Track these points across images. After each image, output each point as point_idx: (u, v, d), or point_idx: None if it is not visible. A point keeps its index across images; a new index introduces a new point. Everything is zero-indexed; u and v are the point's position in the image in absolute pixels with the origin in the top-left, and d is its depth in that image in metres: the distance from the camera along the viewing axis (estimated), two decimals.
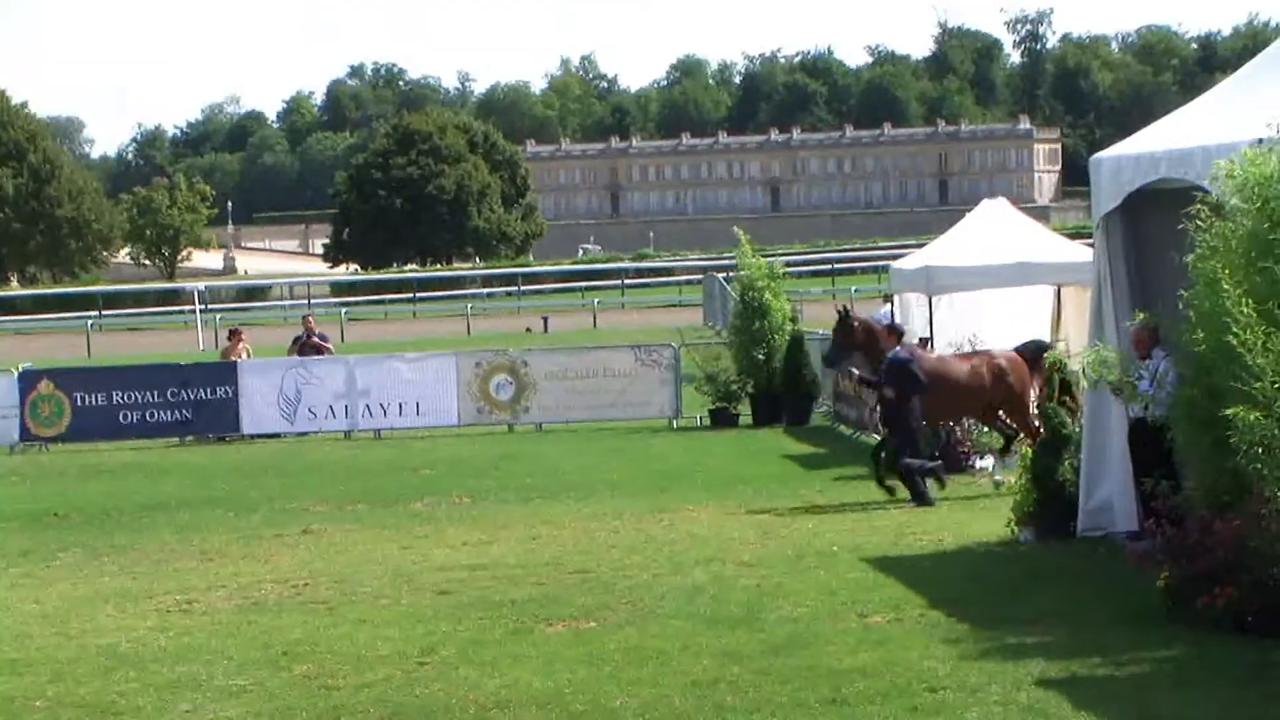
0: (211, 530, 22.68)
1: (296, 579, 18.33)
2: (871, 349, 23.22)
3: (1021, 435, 23.07)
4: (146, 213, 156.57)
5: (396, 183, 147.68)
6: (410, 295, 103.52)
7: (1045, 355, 24.11)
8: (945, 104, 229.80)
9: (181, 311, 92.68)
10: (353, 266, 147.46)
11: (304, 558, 19.98)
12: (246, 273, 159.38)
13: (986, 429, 24.97)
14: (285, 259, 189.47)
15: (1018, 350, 24.08)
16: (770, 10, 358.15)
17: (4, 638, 15.84)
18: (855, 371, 23.73)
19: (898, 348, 22.83)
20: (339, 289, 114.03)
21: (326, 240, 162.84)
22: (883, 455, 22.41)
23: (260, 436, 35.58)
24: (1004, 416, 23.71)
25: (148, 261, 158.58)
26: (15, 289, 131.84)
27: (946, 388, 23.02)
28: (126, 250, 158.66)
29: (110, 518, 24.55)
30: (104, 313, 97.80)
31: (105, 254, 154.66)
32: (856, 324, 23.49)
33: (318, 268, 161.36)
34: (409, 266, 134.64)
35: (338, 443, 34.85)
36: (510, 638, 14.92)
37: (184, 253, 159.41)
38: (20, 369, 37.26)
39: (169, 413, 35.69)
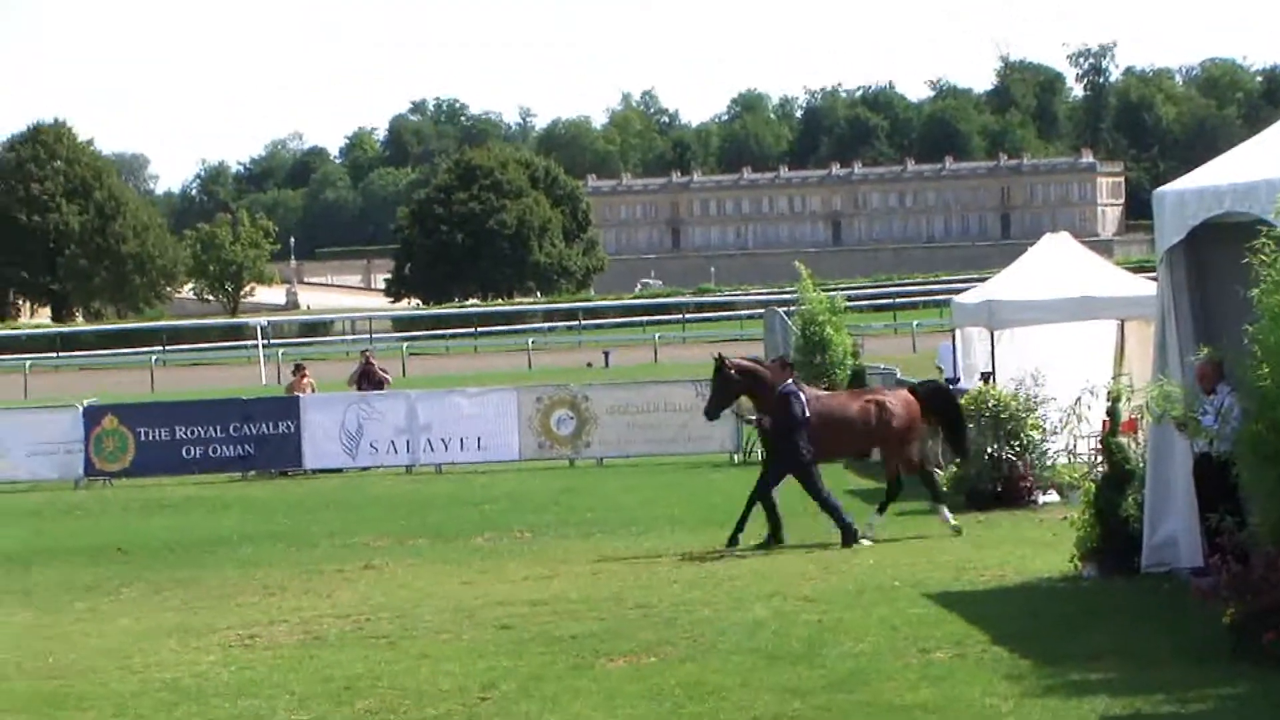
0: (273, 565, 22.77)
1: (358, 614, 18.37)
2: (758, 390, 22.89)
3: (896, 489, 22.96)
4: (210, 248, 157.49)
5: (458, 218, 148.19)
6: (471, 330, 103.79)
7: (944, 393, 24.02)
8: (1007, 138, 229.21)
9: (244, 346, 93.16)
10: (414, 301, 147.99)
11: (365, 592, 20.03)
12: (309, 308, 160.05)
13: (1051, 464, 24.86)
14: (347, 294, 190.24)
15: (912, 389, 23.98)
16: (831, 45, 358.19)
17: (69, 671, 15.93)
18: (755, 416, 23.28)
19: (789, 381, 22.72)
20: (401, 324, 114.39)
21: (388, 275, 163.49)
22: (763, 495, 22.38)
23: (322, 471, 35.70)
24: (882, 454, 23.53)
25: (211, 297, 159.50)
26: (80, 324, 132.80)
27: (832, 425, 22.78)
28: (190, 286, 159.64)
29: (173, 552, 24.67)
30: (168, 348, 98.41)
31: (169, 289, 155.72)
32: (732, 371, 23.12)
33: (380, 303, 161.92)
34: (470, 301, 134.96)
35: (399, 477, 34.93)
36: (571, 673, 14.92)
37: (247, 288, 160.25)
38: (85, 404, 37.50)
39: (231, 447, 35.86)
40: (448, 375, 63.32)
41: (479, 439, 35.69)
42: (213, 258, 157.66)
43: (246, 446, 35.79)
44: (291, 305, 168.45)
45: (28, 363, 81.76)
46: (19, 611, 19.69)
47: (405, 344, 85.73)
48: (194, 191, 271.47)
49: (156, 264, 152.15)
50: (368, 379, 38.94)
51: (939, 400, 23.84)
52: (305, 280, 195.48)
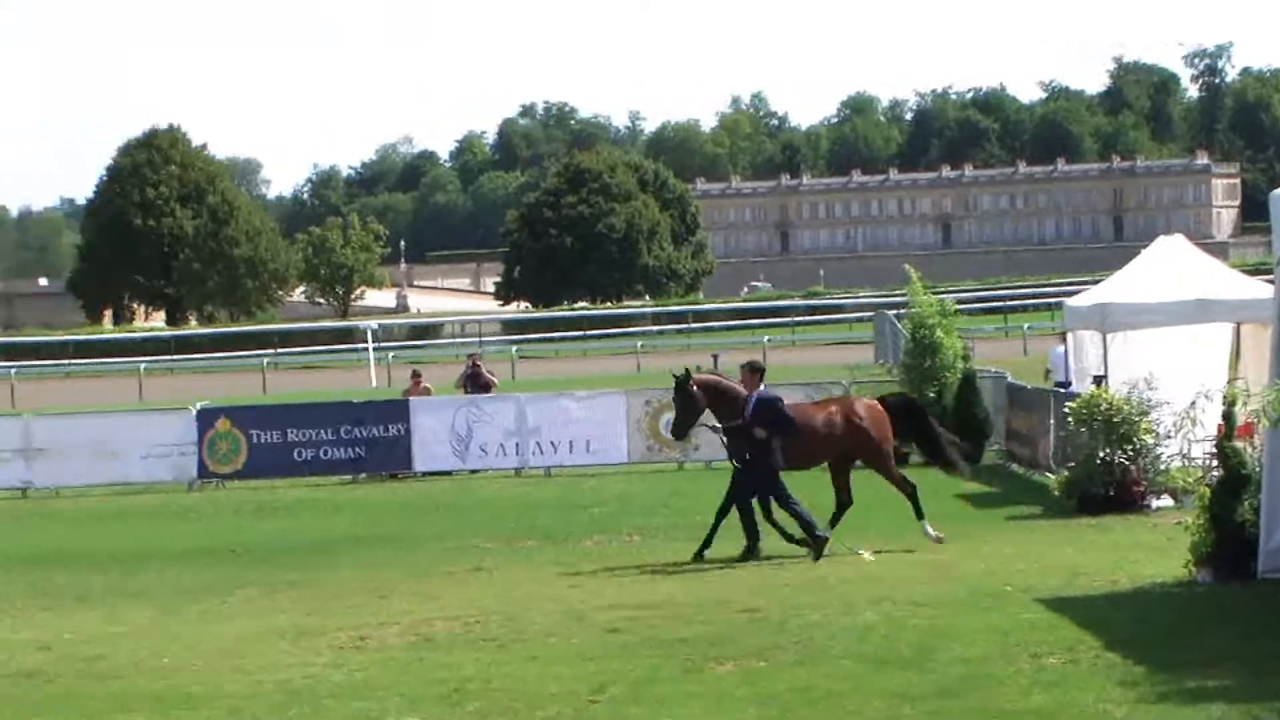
0: (384, 567, 22.90)
1: (467, 616, 18.44)
2: (724, 404, 22.41)
3: (847, 504, 22.71)
4: (321, 252, 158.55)
5: (567, 221, 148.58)
6: (580, 333, 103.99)
7: (913, 406, 23.68)
8: (1120, 139, 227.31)
9: (355, 349, 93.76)
10: (523, 304, 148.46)
11: (474, 595, 20.11)
12: (419, 311, 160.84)
13: (1165, 468, 24.64)
14: (457, 297, 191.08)
15: (881, 399, 23.65)
16: (942, 47, 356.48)
17: (183, 672, 16.09)
18: (718, 426, 22.75)
19: (763, 387, 22.40)
20: (510, 327, 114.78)
21: (498, 278, 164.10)
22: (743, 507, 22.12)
23: (431, 474, 35.89)
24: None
25: (322, 300, 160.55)
26: (194, 327, 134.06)
27: (801, 434, 22.41)
28: (301, 289, 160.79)
29: (285, 554, 24.87)
30: (279, 351, 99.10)
31: (280, 292, 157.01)
32: (695, 388, 22.55)
33: (489, 306, 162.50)
34: (579, 304, 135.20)
35: (508, 480, 35.06)
36: (680, 677, 14.92)
37: (357, 291, 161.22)
38: (198, 407, 37.88)
39: (342, 450, 36.10)
40: (556, 378, 63.48)
41: (588, 442, 35.76)
42: (324, 261, 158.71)
43: (357, 449, 36.02)
44: (401, 308, 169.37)
45: (142, 366, 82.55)
46: (134, 612, 19.91)
47: (514, 347, 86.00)
48: (305, 196, 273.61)
49: (268, 267, 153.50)
50: (474, 382, 39.14)
51: (907, 413, 23.49)
52: (415, 283, 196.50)
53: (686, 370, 23.11)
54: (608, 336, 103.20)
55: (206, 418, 36.71)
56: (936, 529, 22.55)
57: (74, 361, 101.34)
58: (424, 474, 35.84)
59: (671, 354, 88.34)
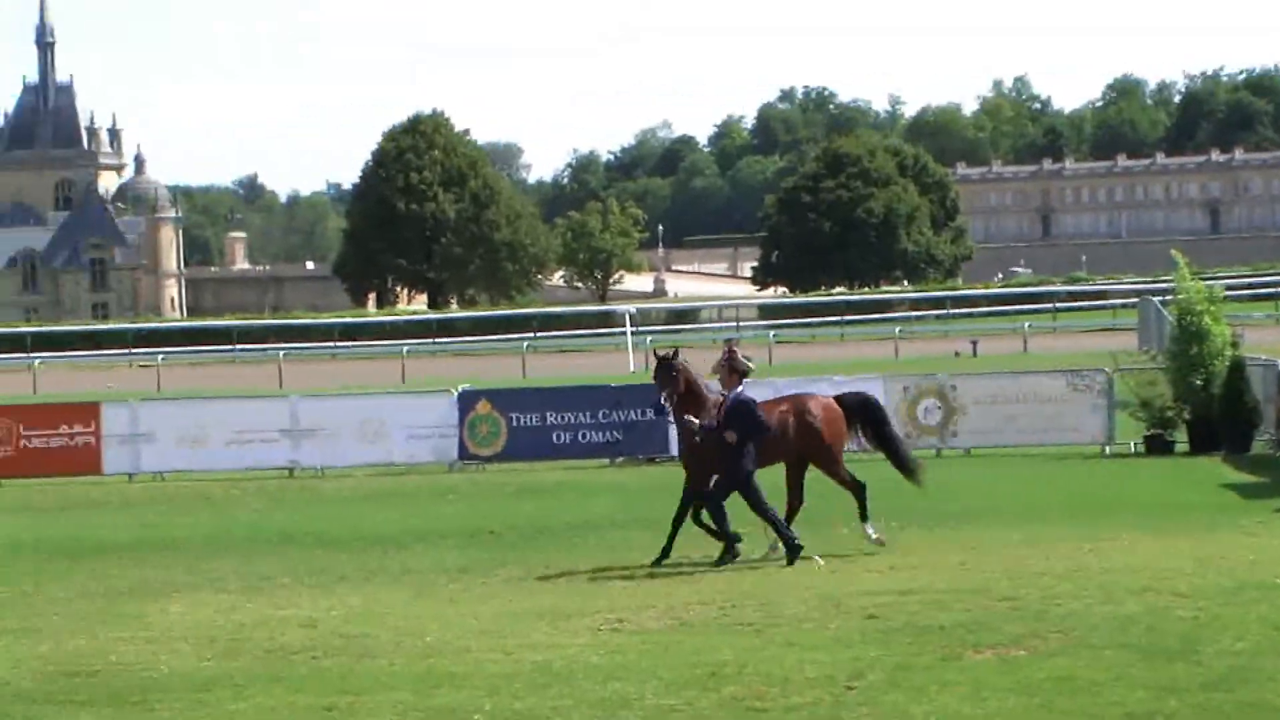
0: (641, 550, 23.00)
1: (724, 600, 18.48)
2: (690, 402, 21.75)
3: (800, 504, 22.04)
4: (580, 236, 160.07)
5: (825, 206, 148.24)
6: (838, 318, 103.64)
7: (871, 405, 22.82)
8: None
9: (612, 333, 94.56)
10: (781, 289, 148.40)
11: (732, 579, 20.14)
12: (676, 295, 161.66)
13: None
14: (714, 282, 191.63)
15: (838, 398, 22.78)
16: (1213, 28, 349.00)
17: (445, 650, 16.32)
18: (697, 422, 21.94)
19: (739, 389, 21.65)
20: (767, 311, 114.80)
21: (755, 263, 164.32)
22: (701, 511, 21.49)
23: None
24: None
25: (580, 284, 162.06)
26: (455, 311, 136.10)
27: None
28: (560, 273, 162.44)
29: (543, 536, 25.11)
30: (538, 334, 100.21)
31: (540, 277, 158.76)
32: (677, 372, 21.88)
33: (746, 290, 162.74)
34: (837, 289, 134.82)
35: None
36: (938, 664, 14.79)
37: (615, 275, 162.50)
38: (460, 389, 38.40)
39: (601, 434, 36.36)
40: (813, 363, 63.35)
41: None
42: (583, 246, 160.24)
43: (615, 433, 36.26)
44: (659, 293, 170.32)
45: (405, 348, 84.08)
46: (396, 592, 20.25)
47: (771, 332, 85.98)
48: (565, 180, 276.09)
49: (528, 252, 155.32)
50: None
51: (866, 413, 22.82)
52: (672, 268, 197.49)
53: (675, 350, 22.57)
54: (865, 322, 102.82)
55: (467, 400, 37.21)
56: (879, 531, 22.05)
57: (339, 344, 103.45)
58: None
59: (930, 340, 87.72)
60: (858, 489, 22.33)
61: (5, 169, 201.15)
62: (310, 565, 22.71)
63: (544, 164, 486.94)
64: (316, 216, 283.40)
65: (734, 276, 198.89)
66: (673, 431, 35.75)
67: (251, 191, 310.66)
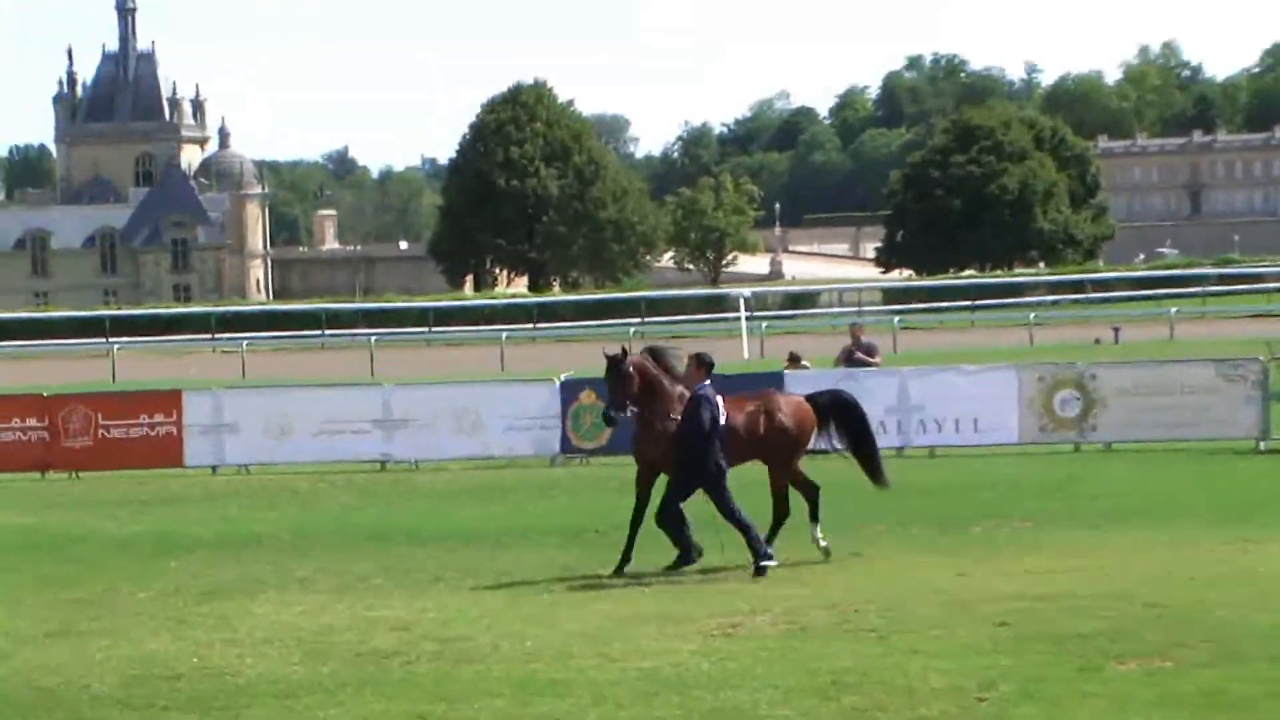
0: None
1: (845, 604, 18.45)
2: (652, 398, 21.36)
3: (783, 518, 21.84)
4: (691, 215, 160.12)
5: (955, 182, 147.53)
6: (968, 303, 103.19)
7: (847, 405, 22.59)
8: None
9: (725, 319, 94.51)
10: (906, 271, 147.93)
11: (853, 582, 20.10)
12: (794, 278, 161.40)
13: None
14: (834, 263, 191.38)
15: (810, 398, 22.56)
16: None
17: (545, 656, 16.38)
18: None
19: (705, 383, 21.32)
20: (891, 295, 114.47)
21: (878, 243, 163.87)
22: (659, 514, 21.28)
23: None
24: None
25: (691, 266, 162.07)
26: (557, 294, 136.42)
27: (726, 437, 21.30)
28: (670, 254, 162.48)
29: (650, 535, 25.11)
30: (646, 319, 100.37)
31: (648, 257, 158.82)
32: (631, 369, 21.39)
33: (869, 273, 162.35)
34: (966, 272, 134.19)
35: (888, 461, 34.88)
36: (1076, 675, 14.71)
37: (729, 256, 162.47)
38: (562, 378, 38.47)
39: None
40: (941, 351, 63.11)
41: (975, 420, 35.50)
42: (694, 224, 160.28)
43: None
44: (775, 275, 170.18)
45: (504, 334, 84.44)
46: (493, 593, 20.34)
47: (896, 317, 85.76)
48: (675, 155, 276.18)
49: (636, 231, 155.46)
50: (854, 355, 38.94)
51: (842, 413, 22.66)
52: (790, 248, 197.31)
53: (624, 349, 22.13)
54: (997, 307, 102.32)
55: (571, 389, 37.28)
56: (826, 538, 21.82)
57: (434, 329, 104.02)
58: None
59: (1067, 326, 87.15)
60: (811, 490, 22.21)
61: (83, 142, 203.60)
62: (403, 564, 22.85)
63: (653, 137, 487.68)
64: (411, 193, 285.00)
65: (856, 258, 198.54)
66: None
67: (342, 167, 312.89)
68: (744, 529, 21.32)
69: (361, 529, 26.98)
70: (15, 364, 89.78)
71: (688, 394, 21.50)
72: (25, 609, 20.13)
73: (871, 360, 38.62)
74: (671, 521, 21.54)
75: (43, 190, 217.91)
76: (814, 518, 22.17)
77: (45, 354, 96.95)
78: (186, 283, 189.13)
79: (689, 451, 21.16)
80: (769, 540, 21.60)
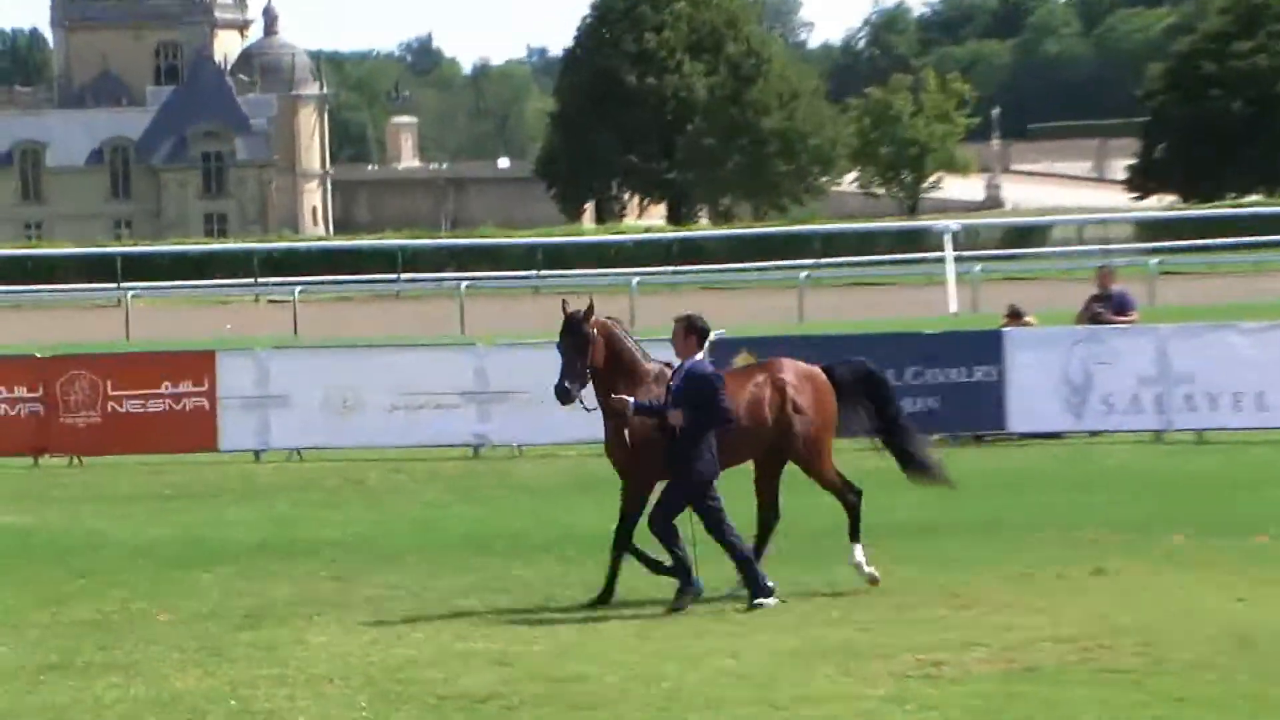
0: (965, 565, 22.91)
1: (1086, 637, 18.38)
2: (617, 372, 20.83)
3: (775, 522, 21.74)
4: (882, 124, 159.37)
5: (1235, 79, 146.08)
6: (1250, 239, 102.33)
7: (873, 378, 22.05)
8: None
9: (925, 260, 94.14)
10: (1168, 198, 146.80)
11: (1097, 607, 20.02)
12: (1017, 208, 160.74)
13: None
14: (1072, 187, 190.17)
15: (827, 369, 21.88)
16: None
17: (691, 701, 16.39)
18: (630, 401, 20.74)
19: (697, 356, 20.85)
20: (1148, 230, 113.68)
21: (1131, 161, 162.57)
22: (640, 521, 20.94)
23: (1033, 436, 35.83)
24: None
25: (882, 190, 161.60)
26: (704, 228, 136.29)
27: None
28: (853, 176, 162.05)
29: (828, 540, 24.98)
30: (821, 260, 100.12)
31: (825, 180, 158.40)
32: (594, 329, 20.76)
33: (1118, 200, 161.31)
34: (1249, 199, 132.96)
35: (1143, 446, 34.81)
36: None
37: (932, 179, 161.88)
38: (711, 336, 38.40)
39: (909, 400, 36.15)
40: (1214, 305, 62.66)
41: (1259, 395, 35.27)
42: (885, 136, 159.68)
43: (928, 400, 36.17)
44: (992, 203, 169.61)
45: (635, 280, 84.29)
46: (620, 618, 20.37)
47: (1154, 258, 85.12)
48: (862, 44, 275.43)
49: (808, 145, 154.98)
50: (1103, 309, 38.58)
51: (869, 387, 22.21)
52: (1012, 168, 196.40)
53: (590, 304, 21.33)
54: None
55: (721, 351, 37.23)
56: (873, 564, 21.67)
57: (544, 274, 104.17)
58: (1022, 436, 35.81)
59: None
60: (851, 496, 22.05)
61: (86, 26, 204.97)
62: (503, 580, 22.94)
63: (832, 23, 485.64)
64: (513, 95, 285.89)
65: (1100, 180, 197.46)
66: (1011, 400, 35.71)
67: (424, 60, 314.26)
68: (741, 557, 21.17)
69: (449, 534, 27.12)
70: (1, 316, 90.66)
71: (668, 371, 21.09)
72: (16, 635, 20.34)
73: (1124, 317, 38.29)
74: (665, 534, 21.20)
75: (35, 90, 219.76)
76: (854, 535, 21.90)
77: (39, 303, 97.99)
78: (222, 211, 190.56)
79: (690, 443, 20.79)
80: (756, 554, 21.38)
